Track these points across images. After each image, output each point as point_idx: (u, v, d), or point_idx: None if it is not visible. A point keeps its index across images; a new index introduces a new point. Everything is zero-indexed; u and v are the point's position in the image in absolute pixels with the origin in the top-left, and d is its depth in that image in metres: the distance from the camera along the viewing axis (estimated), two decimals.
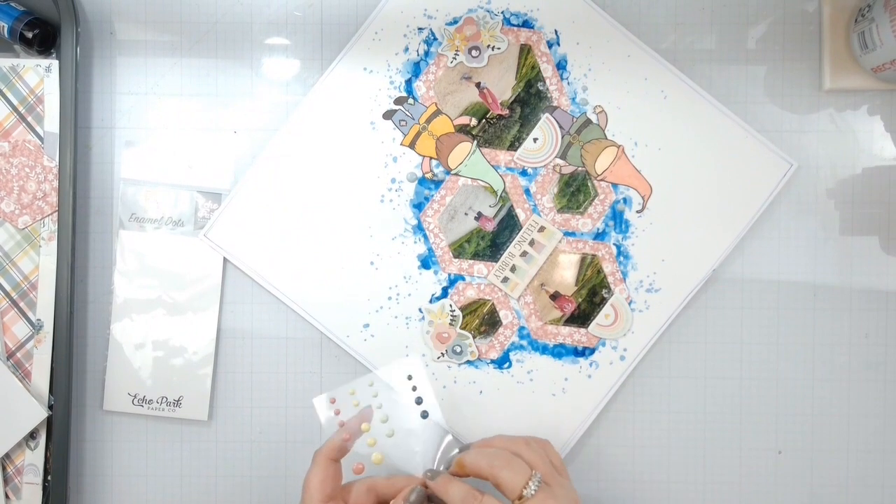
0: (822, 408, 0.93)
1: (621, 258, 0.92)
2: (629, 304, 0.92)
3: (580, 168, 0.92)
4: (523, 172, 0.92)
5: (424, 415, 0.87)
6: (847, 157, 0.93)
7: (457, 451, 0.85)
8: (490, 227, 0.92)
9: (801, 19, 0.93)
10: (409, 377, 0.88)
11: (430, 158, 0.92)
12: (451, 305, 0.92)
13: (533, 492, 0.75)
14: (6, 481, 0.91)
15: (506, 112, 0.91)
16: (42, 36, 0.89)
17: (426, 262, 0.92)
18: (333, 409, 0.86)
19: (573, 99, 0.91)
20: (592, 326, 0.92)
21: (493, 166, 0.91)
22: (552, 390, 0.92)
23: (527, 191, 0.92)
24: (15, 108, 0.91)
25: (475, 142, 0.92)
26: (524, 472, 0.77)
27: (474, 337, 0.92)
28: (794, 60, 0.93)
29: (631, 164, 0.91)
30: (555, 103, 0.91)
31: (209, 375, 0.93)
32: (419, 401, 0.88)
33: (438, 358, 0.92)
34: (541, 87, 0.91)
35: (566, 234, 0.92)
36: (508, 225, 0.92)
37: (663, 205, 0.92)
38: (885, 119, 0.93)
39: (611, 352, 0.92)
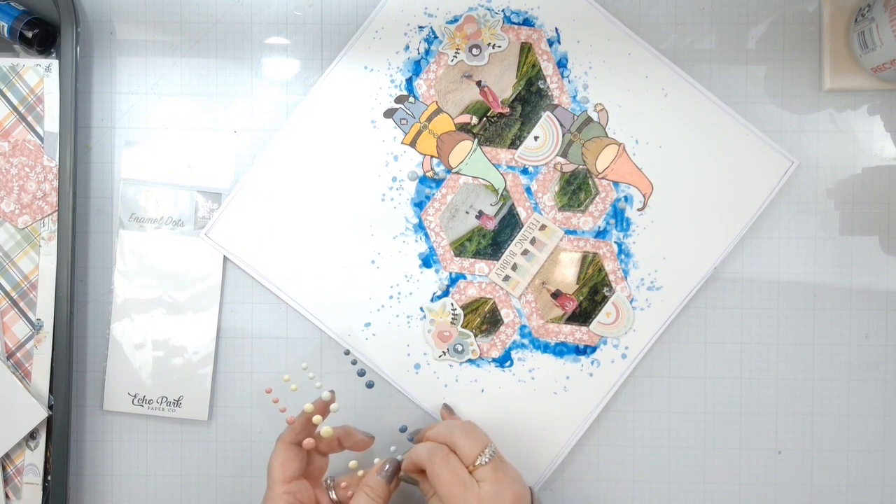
0: (822, 408, 0.93)
1: (622, 256, 0.92)
2: (630, 302, 0.92)
3: (581, 166, 0.92)
4: (524, 171, 0.92)
5: (370, 385, 0.92)
6: (847, 157, 0.93)
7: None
8: (491, 225, 0.92)
9: (801, 19, 0.93)
10: (347, 353, 0.92)
11: (431, 157, 0.92)
12: (452, 304, 0.92)
13: (486, 461, 0.79)
14: (6, 481, 0.91)
15: (506, 110, 0.91)
16: (42, 36, 0.89)
17: (427, 261, 0.92)
18: (271, 398, 0.92)
19: (574, 97, 0.91)
20: (594, 325, 0.92)
21: (493, 165, 0.92)
22: (554, 389, 0.92)
23: (528, 189, 0.92)
24: (15, 108, 0.91)
25: (476, 140, 0.92)
26: (481, 442, 0.80)
27: (476, 336, 0.92)
28: (794, 60, 0.93)
29: (632, 162, 0.92)
30: (555, 101, 0.91)
31: (209, 375, 0.92)
32: (362, 373, 0.92)
33: (440, 357, 0.92)
34: (541, 86, 0.91)
35: (567, 232, 0.92)
36: (509, 223, 0.92)
37: (664, 203, 0.92)
38: (885, 119, 0.93)
39: (612, 350, 0.92)
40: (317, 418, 0.83)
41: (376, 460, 0.84)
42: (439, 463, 0.78)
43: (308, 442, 0.82)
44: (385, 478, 0.82)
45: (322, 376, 0.93)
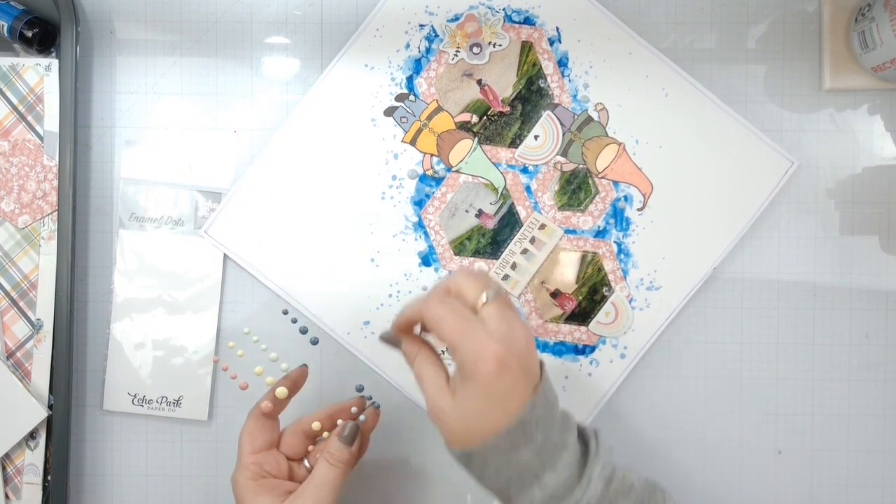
0: (822, 408, 0.93)
1: (622, 256, 0.92)
2: (630, 301, 0.92)
3: (581, 165, 0.92)
4: (524, 170, 0.92)
5: (315, 341, 0.93)
6: (847, 157, 0.93)
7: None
8: (491, 224, 0.92)
9: (801, 19, 0.93)
10: (285, 312, 0.93)
11: (431, 155, 0.92)
12: None
13: (490, 298, 0.69)
14: (6, 481, 0.91)
15: (507, 109, 0.91)
16: (42, 35, 0.89)
17: (427, 260, 0.92)
18: (221, 366, 0.93)
19: (574, 96, 0.91)
20: (593, 324, 0.92)
21: (493, 164, 0.92)
22: None
23: (528, 188, 0.92)
24: (15, 108, 0.91)
25: (476, 139, 0.92)
26: (483, 279, 0.71)
27: None
28: (794, 60, 0.93)
29: (632, 162, 0.91)
30: (556, 100, 0.91)
31: (209, 375, 0.92)
32: (304, 330, 0.93)
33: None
34: (542, 85, 0.91)
35: (567, 231, 0.92)
36: (509, 222, 0.92)
37: (664, 202, 0.92)
38: (885, 119, 0.93)
39: (611, 350, 0.92)
40: (281, 391, 0.83)
41: (339, 422, 0.83)
42: (437, 305, 0.68)
43: (266, 405, 0.82)
44: (345, 441, 0.80)
45: (321, 374, 0.92)
